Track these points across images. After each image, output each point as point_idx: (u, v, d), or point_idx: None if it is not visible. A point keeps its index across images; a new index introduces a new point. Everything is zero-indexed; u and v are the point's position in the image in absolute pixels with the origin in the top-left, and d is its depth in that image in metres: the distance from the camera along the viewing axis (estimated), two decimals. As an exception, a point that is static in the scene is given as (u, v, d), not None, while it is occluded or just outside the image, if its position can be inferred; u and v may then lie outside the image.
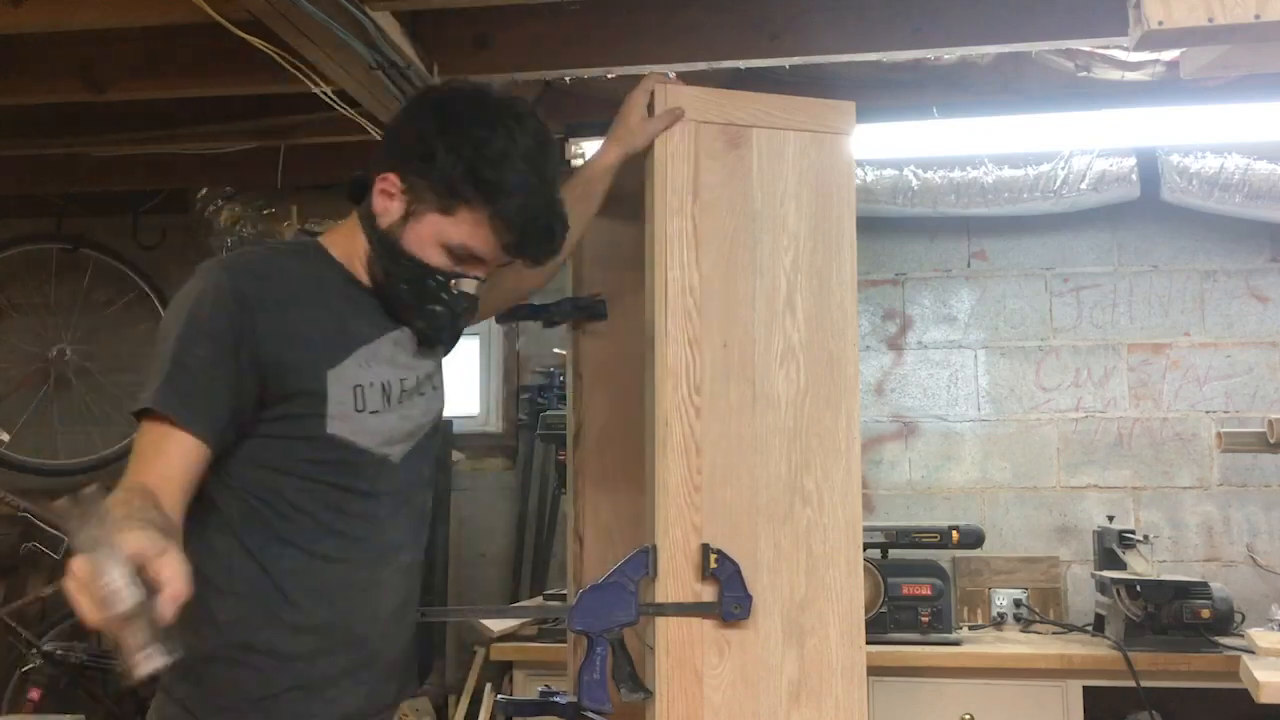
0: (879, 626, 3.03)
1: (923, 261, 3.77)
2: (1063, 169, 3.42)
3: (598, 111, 2.97)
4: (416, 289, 1.58)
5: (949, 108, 3.08)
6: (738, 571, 1.82)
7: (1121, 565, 3.19)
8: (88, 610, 1.06)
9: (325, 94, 2.47)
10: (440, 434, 1.81)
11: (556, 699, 2.07)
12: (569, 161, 3.09)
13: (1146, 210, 3.55)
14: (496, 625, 3.30)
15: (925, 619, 3.09)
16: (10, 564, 3.81)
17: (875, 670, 2.41)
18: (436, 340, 1.67)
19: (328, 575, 1.52)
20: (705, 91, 1.99)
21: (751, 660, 1.84)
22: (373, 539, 1.56)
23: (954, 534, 3.22)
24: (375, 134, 2.56)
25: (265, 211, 3.74)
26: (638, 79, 1.98)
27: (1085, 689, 2.99)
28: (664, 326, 1.88)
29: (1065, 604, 3.54)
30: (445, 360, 1.78)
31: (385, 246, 1.57)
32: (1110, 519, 3.40)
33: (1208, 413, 3.59)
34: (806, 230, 1.98)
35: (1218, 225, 3.56)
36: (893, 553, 3.24)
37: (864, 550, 2.02)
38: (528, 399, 3.85)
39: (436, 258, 1.56)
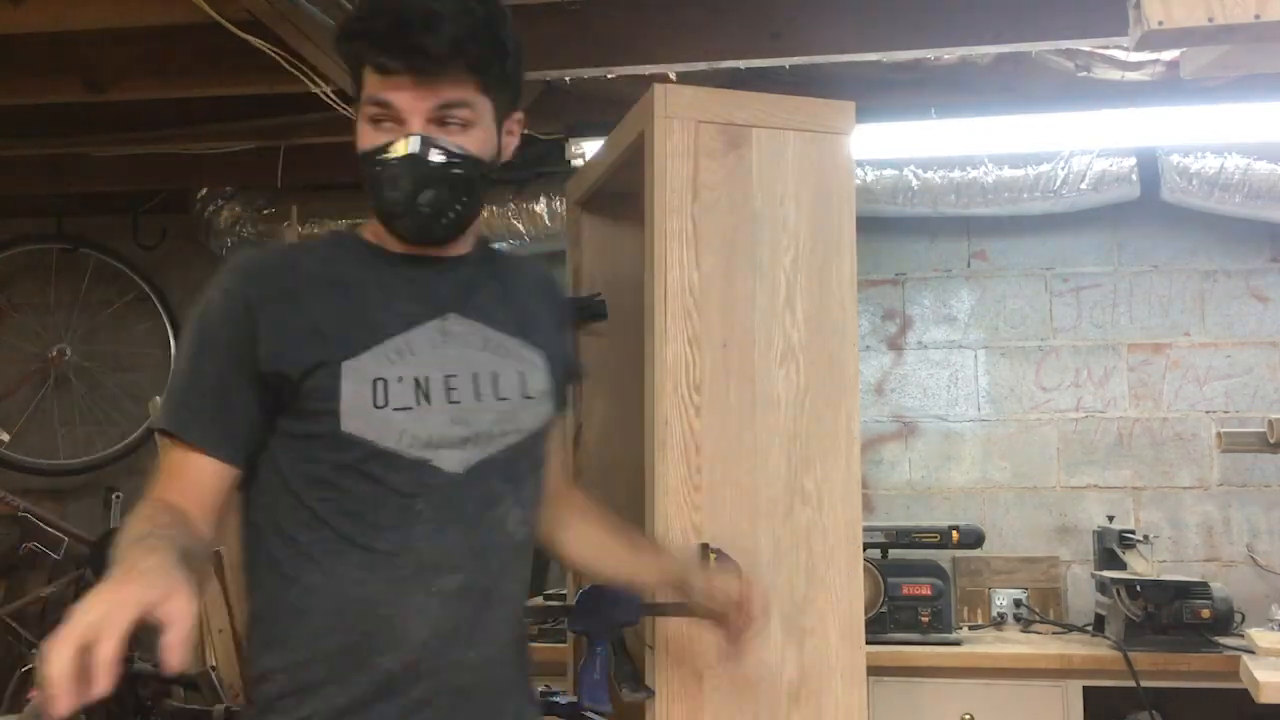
0: (879, 626, 3.02)
1: (923, 261, 3.77)
2: (1063, 169, 3.42)
3: (598, 111, 2.97)
4: (372, 190, 1.41)
5: (949, 108, 3.08)
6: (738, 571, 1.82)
7: (1121, 565, 3.19)
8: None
9: (325, 94, 2.47)
10: (542, 453, 1.56)
11: (556, 699, 2.06)
12: (569, 161, 3.10)
13: (1146, 210, 3.54)
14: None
15: (925, 619, 3.09)
16: (10, 564, 3.81)
17: (875, 670, 2.42)
18: (425, 234, 1.44)
19: (345, 594, 1.37)
20: (705, 91, 1.99)
21: (751, 660, 1.83)
22: (403, 555, 1.38)
23: (954, 534, 3.22)
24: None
25: (265, 211, 3.74)
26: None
27: (1085, 689, 2.98)
28: (663, 326, 1.88)
29: (1065, 604, 3.53)
30: None
31: (359, 165, 1.45)
32: (1110, 519, 3.39)
33: (1208, 413, 3.59)
34: (806, 230, 1.98)
35: (1218, 225, 3.55)
36: (893, 553, 3.24)
37: (864, 550, 2.02)
38: (528, 399, 3.84)
39: (368, 139, 1.42)
